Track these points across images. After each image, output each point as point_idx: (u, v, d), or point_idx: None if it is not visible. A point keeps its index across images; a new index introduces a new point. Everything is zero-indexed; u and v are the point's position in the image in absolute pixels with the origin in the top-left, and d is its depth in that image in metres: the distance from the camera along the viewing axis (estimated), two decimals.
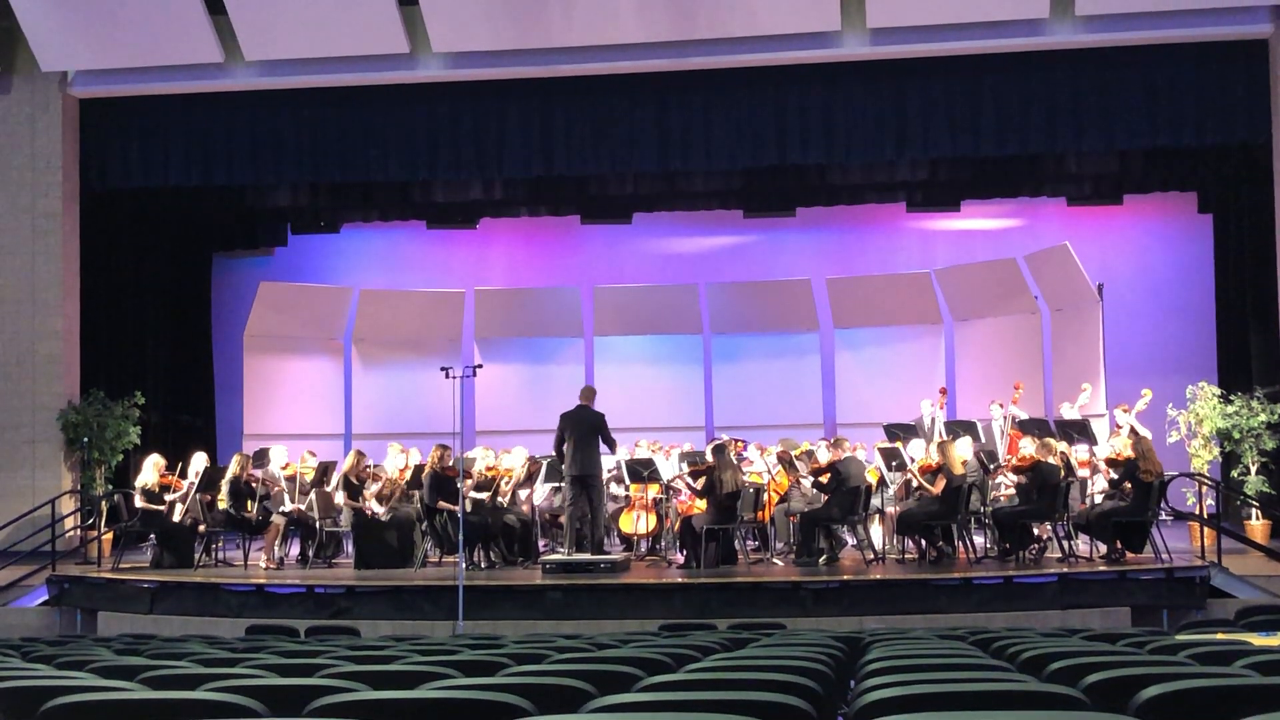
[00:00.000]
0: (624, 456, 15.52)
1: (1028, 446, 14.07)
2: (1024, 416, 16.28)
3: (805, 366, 20.56)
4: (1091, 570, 12.96)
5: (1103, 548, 13.61)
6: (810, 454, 15.01)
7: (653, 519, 15.49)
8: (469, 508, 14.10)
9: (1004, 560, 13.72)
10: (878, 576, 13.08)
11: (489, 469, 14.95)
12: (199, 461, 15.40)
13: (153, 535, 15.34)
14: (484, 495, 14.55)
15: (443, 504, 14.30)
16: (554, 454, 14.33)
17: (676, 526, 15.00)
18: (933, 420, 16.89)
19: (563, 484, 14.20)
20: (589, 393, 14.21)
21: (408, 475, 15.31)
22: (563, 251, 22.20)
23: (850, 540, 14.90)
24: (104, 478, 17.04)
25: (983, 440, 15.99)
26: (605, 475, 15.61)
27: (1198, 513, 15.04)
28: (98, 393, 17.12)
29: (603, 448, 14.19)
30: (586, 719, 3.56)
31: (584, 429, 13.75)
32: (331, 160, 17.23)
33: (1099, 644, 6.33)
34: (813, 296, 20.53)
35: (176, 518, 15.08)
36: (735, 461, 14.33)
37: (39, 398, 16.86)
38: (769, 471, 15.18)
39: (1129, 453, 13.54)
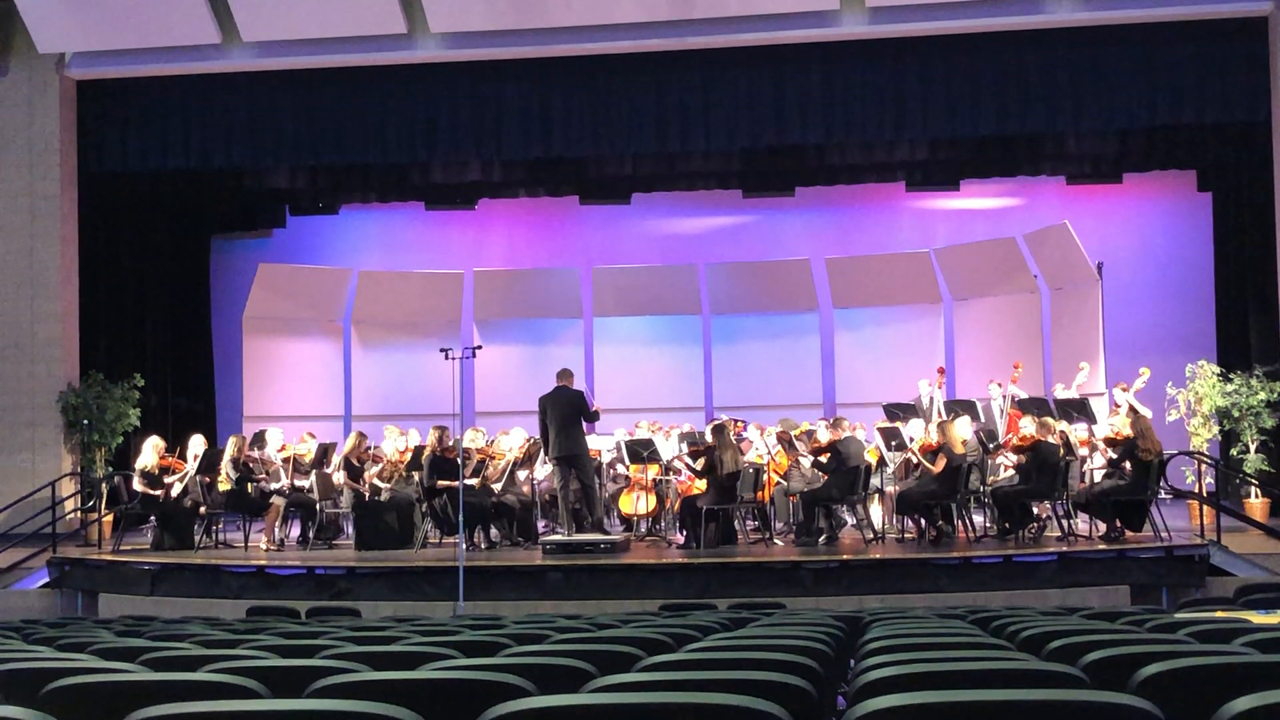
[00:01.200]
0: (623, 437, 15.54)
1: (1027, 426, 14.08)
2: (1023, 396, 16.27)
3: (804, 346, 20.56)
4: (1091, 549, 12.97)
5: (1102, 526, 13.62)
6: (810, 434, 15.01)
7: (652, 499, 15.51)
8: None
9: (1003, 539, 13.73)
10: (877, 556, 13.09)
11: (479, 451, 14.94)
12: (198, 444, 15.41)
13: (153, 517, 15.35)
14: (473, 480, 14.53)
15: (442, 483, 14.28)
16: (540, 439, 14.27)
17: (676, 507, 15.02)
18: (931, 400, 16.90)
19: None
20: (566, 374, 14.12)
21: (407, 457, 15.31)
22: (561, 232, 22.18)
23: (850, 520, 14.92)
24: (104, 460, 17.05)
25: (982, 420, 16.00)
26: (609, 456, 15.64)
27: (1197, 491, 15.05)
28: (97, 375, 17.12)
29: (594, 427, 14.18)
30: (587, 699, 3.57)
31: (563, 409, 13.70)
32: (329, 141, 17.21)
33: (1098, 622, 6.34)
34: (812, 276, 20.52)
35: (176, 497, 15.09)
36: (735, 442, 14.34)
37: (38, 380, 16.86)
38: (769, 452, 15.19)
39: (1128, 431, 13.55)
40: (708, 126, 16.63)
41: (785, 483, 15.07)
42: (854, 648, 5.87)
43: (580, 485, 13.82)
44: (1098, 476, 14.64)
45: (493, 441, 15.47)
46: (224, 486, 15.25)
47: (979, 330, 19.91)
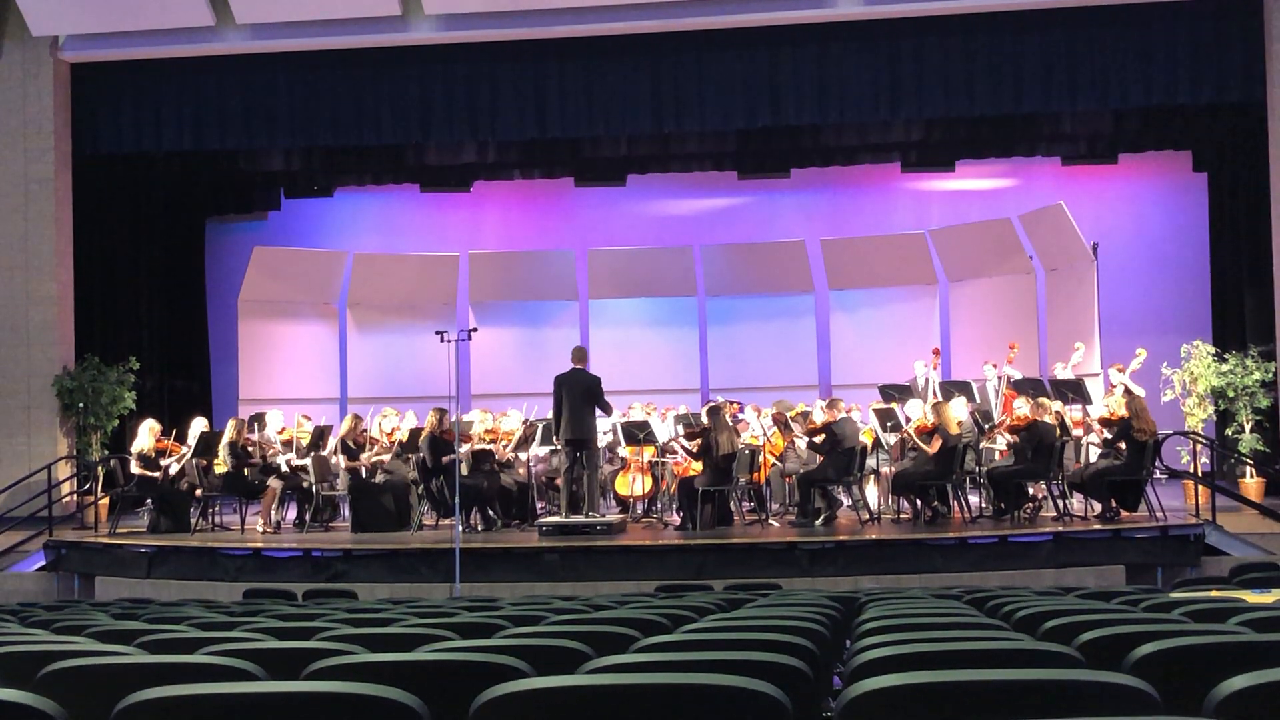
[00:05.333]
0: (619, 419, 15.54)
1: (1022, 407, 14.10)
2: (1018, 376, 16.29)
3: (800, 328, 20.55)
4: (1086, 529, 13.00)
5: (1097, 506, 13.64)
6: (805, 415, 15.03)
7: (649, 481, 15.52)
8: (466, 470, 14.12)
9: (999, 520, 13.74)
10: (873, 537, 13.10)
11: (488, 432, 14.97)
12: (197, 426, 15.40)
13: (149, 500, 15.36)
14: (486, 464, 14.58)
15: (448, 458, 14.20)
16: (551, 419, 14.25)
17: (673, 488, 15.03)
18: (926, 381, 16.91)
19: (558, 448, 14.17)
20: (580, 354, 14.04)
21: (397, 436, 15.31)
22: (557, 214, 22.16)
23: (846, 501, 14.93)
24: (100, 443, 17.06)
25: (977, 400, 16.01)
26: (603, 439, 15.59)
27: (1192, 471, 15.08)
28: (93, 358, 17.11)
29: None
30: (583, 680, 3.57)
31: (578, 392, 13.65)
32: (324, 124, 17.17)
33: (1093, 602, 6.35)
34: (807, 258, 20.50)
35: (172, 480, 15.10)
36: (731, 423, 14.34)
37: (34, 364, 16.85)
38: (764, 433, 15.20)
39: (1123, 412, 13.56)
40: (703, 108, 16.61)
41: (781, 464, 15.10)
42: (850, 628, 5.88)
43: (583, 469, 13.78)
44: (1093, 456, 14.66)
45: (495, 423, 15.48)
46: (220, 469, 15.25)
47: (974, 311, 19.92)
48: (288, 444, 15.85)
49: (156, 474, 15.00)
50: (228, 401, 20.09)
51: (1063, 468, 13.90)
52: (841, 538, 13.02)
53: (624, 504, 15.71)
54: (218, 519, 15.60)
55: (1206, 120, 17.61)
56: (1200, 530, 12.80)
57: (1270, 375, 15.72)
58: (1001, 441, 14.86)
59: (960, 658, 4.07)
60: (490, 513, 14.77)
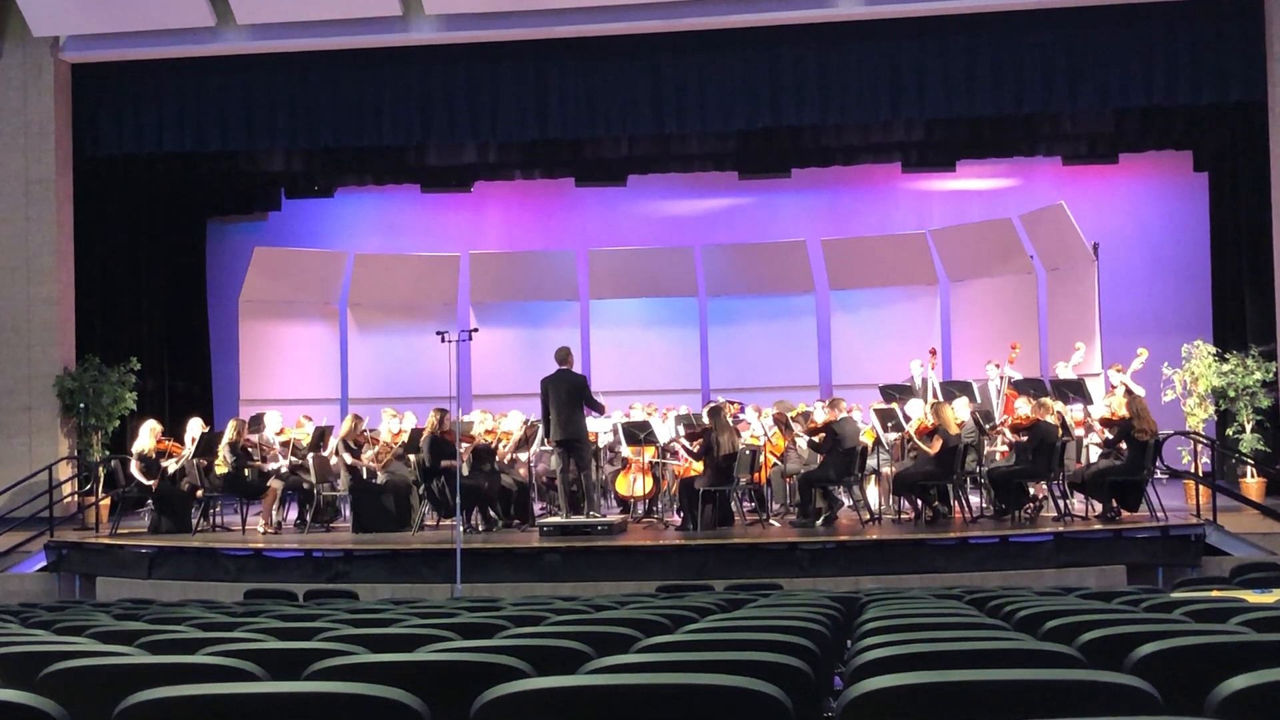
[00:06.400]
0: (620, 420, 15.53)
1: (1023, 407, 14.09)
2: (1019, 377, 16.28)
3: (801, 328, 20.56)
4: (1087, 529, 12.99)
5: (1098, 506, 13.63)
6: (806, 415, 15.02)
7: (649, 481, 15.52)
8: (466, 471, 14.12)
9: (1000, 520, 13.73)
10: (874, 537, 13.10)
11: (488, 432, 14.96)
12: (195, 427, 15.40)
13: (150, 501, 15.35)
14: (486, 464, 14.58)
15: (445, 463, 14.20)
16: (541, 422, 14.22)
17: (673, 489, 15.03)
18: (924, 380, 16.91)
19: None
20: (564, 354, 13.93)
21: (403, 438, 15.31)
22: (557, 214, 22.17)
23: (846, 501, 14.93)
24: (101, 444, 17.05)
25: (978, 400, 16.01)
26: (604, 438, 15.60)
27: (1193, 471, 15.08)
28: (93, 359, 17.11)
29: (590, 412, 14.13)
30: (584, 680, 3.58)
31: (565, 393, 13.60)
32: (325, 124, 17.17)
33: (1094, 602, 6.35)
34: (808, 258, 20.51)
35: (173, 480, 15.09)
36: (731, 423, 14.34)
37: (35, 364, 16.85)
38: (765, 433, 15.20)
39: (1124, 412, 13.55)
40: (703, 108, 16.60)
41: (782, 464, 15.09)
42: (851, 628, 5.89)
43: (576, 469, 13.77)
44: (1094, 456, 14.65)
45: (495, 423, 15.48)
46: (221, 469, 15.24)
47: (975, 311, 19.92)
48: (286, 445, 15.84)
49: (156, 477, 14.99)
50: (229, 402, 20.10)
51: (1063, 468, 13.90)
52: (842, 538, 13.02)
53: (625, 504, 15.71)
54: (218, 519, 15.60)
55: (1207, 120, 17.60)
56: (1201, 530, 12.80)
57: (1271, 375, 15.72)
58: (1002, 441, 14.86)
59: (961, 658, 4.07)
60: (491, 513, 14.77)
